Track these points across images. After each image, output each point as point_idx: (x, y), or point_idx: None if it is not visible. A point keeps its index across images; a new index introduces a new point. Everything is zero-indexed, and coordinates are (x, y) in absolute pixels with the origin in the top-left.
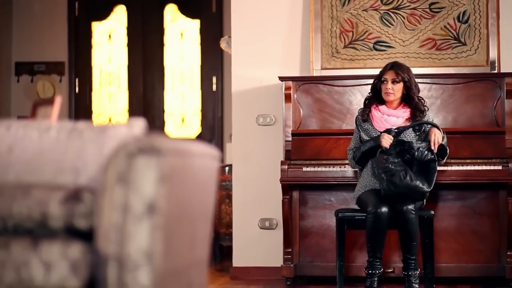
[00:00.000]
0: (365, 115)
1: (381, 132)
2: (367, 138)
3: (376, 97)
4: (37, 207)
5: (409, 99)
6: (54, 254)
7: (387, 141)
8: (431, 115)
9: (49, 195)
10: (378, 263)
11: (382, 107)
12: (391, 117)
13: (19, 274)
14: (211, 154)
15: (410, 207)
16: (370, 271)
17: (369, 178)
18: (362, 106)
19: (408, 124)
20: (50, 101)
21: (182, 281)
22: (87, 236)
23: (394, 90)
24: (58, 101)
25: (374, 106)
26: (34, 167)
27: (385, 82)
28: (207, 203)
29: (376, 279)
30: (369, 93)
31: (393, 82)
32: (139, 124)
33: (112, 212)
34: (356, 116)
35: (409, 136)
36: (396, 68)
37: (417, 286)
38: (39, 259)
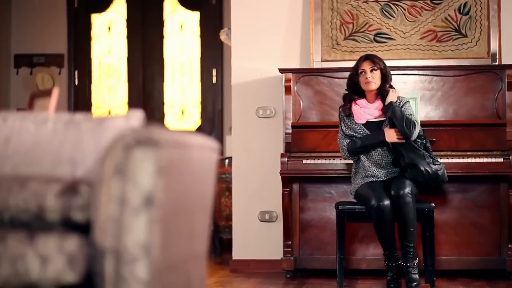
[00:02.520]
0: (346, 110)
1: (363, 124)
2: (349, 132)
3: (354, 92)
4: (33, 200)
5: (383, 88)
6: (51, 247)
7: (393, 136)
8: (428, 109)
9: (45, 187)
10: (395, 254)
11: (361, 101)
12: (369, 109)
13: (15, 267)
14: (210, 146)
15: (407, 190)
16: (389, 264)
17: (365, 171)
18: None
19: (383, 115)
20: (47, 93)
21: (181, 274)
22: (84, 229)
23: (374, 78)
24: (56, 92)
25: (354, 102)
26: (31, 159)
27: (363, 73)
28: (205, 196)
29: (395, 270)
30: (346, 89)
31: (371, 71)
32: (137, 116)
33: (109, 204)
34: (339, 113)
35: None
36: (372, 58)
37: (416, 276)
38: (35, 252)
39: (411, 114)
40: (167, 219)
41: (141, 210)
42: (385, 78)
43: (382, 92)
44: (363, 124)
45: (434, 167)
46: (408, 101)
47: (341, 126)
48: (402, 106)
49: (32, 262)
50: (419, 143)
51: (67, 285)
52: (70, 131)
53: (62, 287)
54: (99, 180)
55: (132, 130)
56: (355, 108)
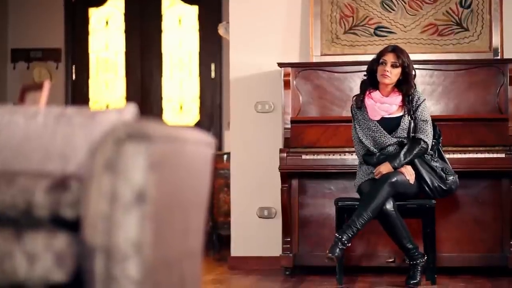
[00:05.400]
0: (359, 102)
1: (377, 121)
2: (361, 133)
3: (371, 81)
4: (21, 196)
5: (405, 84)
6: (39, 245)
7: (412, 176)
8: (429, 104)
9: (34, 183)
10: (416, 253)
11: (375, 94)
12: (384, 105)
13: (1, 266)
14: (205, 140)
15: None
16: (411, 262)
17: (369, 168)
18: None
19: (401, 110)
20: (38, 86)
21: (174, 272)
22: (73, 226)
23: (391, 74)
24: (47, 86)
25: (368, 92)
26: (20, 153)
27: (383, 64)
28: (201, 192)
29: (418, 268)
30: (364, 75)
31: (393, 65)
32: (130, 109)
33: (100, 201)
34: (352, 105)
35: (405, 124)
36: (398, 52)
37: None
38: (22, 251)
39: (425, 120)
40: (160, 215)
41: (132, 207)
42: (406, 76)
43: (401, 86)
44: (377, 121)
45: (448, 182)
46: (425, 100)
47: (355, 126)
48: (417, 108)
49: (19, 260)
50: (430, 155)
51: (55, 284)
52: (61, 125)
53: (51, 286)
54: (89, 175)
55: (124, 123)
56: (369, 102)
